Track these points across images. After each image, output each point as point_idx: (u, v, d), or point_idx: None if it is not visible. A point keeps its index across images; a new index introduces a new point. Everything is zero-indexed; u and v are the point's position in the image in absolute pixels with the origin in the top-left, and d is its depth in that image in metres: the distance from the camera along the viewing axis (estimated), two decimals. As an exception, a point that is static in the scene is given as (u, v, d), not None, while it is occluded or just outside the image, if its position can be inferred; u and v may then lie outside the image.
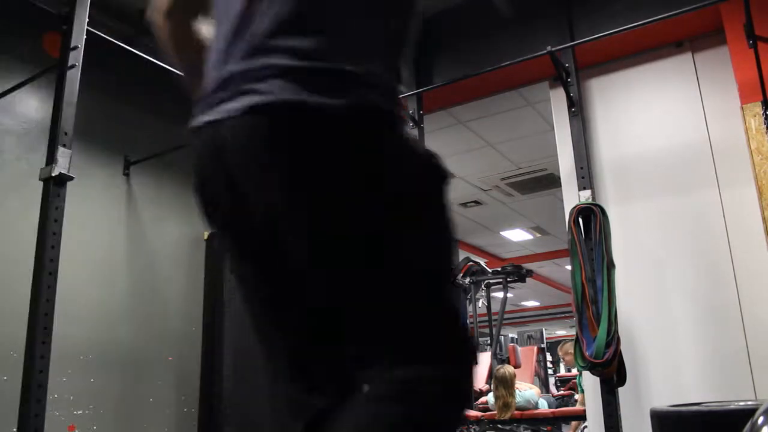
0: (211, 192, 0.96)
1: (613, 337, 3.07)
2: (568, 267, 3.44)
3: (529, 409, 4.94)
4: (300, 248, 0.90)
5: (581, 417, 4.54)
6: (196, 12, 1.13)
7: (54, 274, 2.54)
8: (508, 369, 4.97)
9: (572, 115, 3.79)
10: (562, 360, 7.41)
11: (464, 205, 8.29)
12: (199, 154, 0.96)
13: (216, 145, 0.91)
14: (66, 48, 2.82)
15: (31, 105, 3.87)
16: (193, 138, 0.97)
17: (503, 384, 4.81)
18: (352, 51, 0.90)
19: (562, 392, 5.26)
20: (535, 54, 3.65)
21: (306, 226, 0.88)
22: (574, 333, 3.21)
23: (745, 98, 3.29)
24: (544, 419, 4.92)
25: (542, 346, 12.47)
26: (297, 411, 0.97)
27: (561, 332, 18.78)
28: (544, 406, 5.03)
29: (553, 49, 3.58)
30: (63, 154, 2.65)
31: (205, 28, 1.13)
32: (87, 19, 2.92)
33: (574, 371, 5.35)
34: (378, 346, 0.88)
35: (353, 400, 0.88)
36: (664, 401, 2.89)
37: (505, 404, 4.75)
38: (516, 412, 4.80)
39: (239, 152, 0.88)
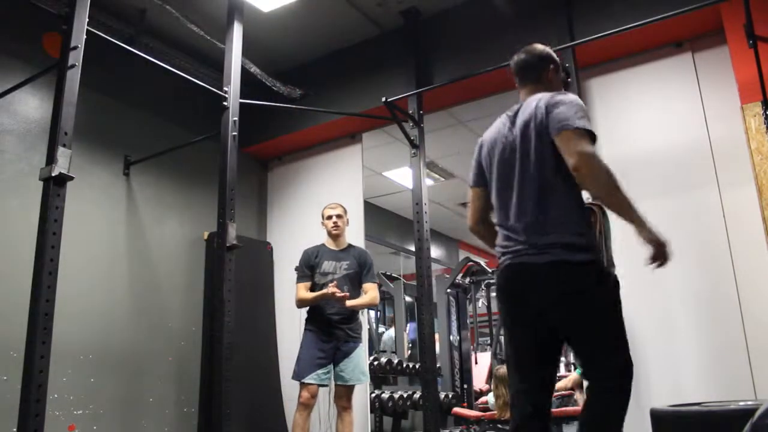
0: (515, 297, 2.05)
1: (613, 337, 3.07)
2: (568, 267, 3.43)
3: (529, 409, 4.94)
4: (574, 326, 2.00)
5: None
6: (487, 215, 2.26)
7: (54, 274, 2.53)
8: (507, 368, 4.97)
9: (572, 115, 3.78)
10: None
11: (464, 205, 8.29)
12: (507, 277, 2.06)
13: (524, 277, 2.01)
14: (66, 48, 2.82)
15: (31, 105, 3.87)
16: (504, 268, 2.07)
17: (504, 383, 4.81)
18: (584, 233, 2.00)
19: (562, 392, 5.25)
20: (535, 54, 3.64)
21: (577, 317, 1.97)
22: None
23: (745, 98, 3.29)
24: (544, 419, 4.92)
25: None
26: (523, 398, 2.01)
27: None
28: (544, 406, 5.03)
29: (553, 49, 3.57)
30: (63, 154, 2.65)
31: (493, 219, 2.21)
32: (87, 19, 2.92)
33: (575, 373, 5.34)
34: (604, 370, 2.00)
35: (591, 395, 2.01)
36: (664, 401, 2.89)
37: (506, 403, 4.75)
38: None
39: (543, 283, 1.97)
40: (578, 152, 1.89)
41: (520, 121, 2.12)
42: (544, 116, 2.01)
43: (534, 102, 2.10)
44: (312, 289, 3.83)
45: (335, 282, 3.76)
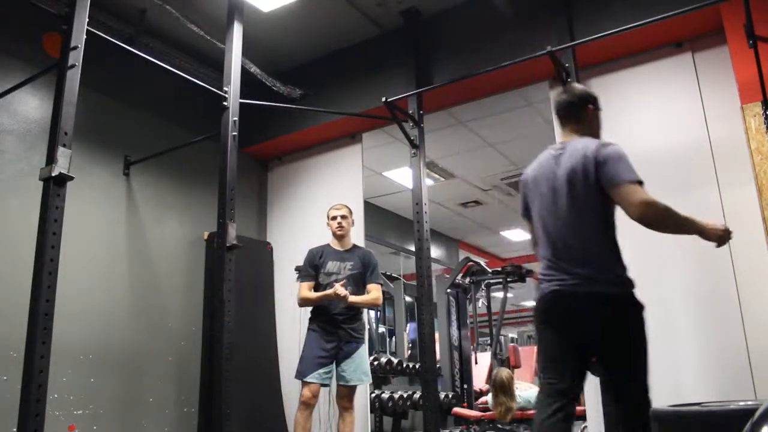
0: (559, 317, 2.28)
1: (613, 337, 3.07)
2: (568, 267, 3.43)
3: (529, 409, 4.94)
4: (608, 348, 2.24)
5: (582, 417, 4.54)
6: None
7: (54, 274, 2.53)
8: (504, 373, 4.89)
9: (572, 115, 3.78)
10: None
11: (464, 205, 8.29)
12: (551, 299, 2.28)
13: (567, 302, 2.24)
14: (66, 48, 2.81)
15: (31, 105, 3.87)
16: (547, 293, 2.29)
17: (503, 390, 4.76)
18: (621, 270, 2.26)
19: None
20: (535, 54, 3.65)
21: (612, 338, 2.22)
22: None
23: (745, 98, 3.29)
24: (544, 419, 4.91)
25: (542, 346, 12.43)
26: (554, 395, 2.23)
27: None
28: (544, 406, 5.02)
29: (553, 49, 3.58)
30: (63, 154, 2.65)
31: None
32: (87, 19, 2.92)
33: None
34: (629, 382, 2.22)
35: (620, 406, 2.23)
36: (664, 401, 2.88)
37: (507, 409, 4.72)
38: (517, 412, 4.79)
39: (584, 308, 2.22)
40: (638, 204, 2.13)
41: (566, 165, 2.32)
42: (593, 170, 2.23)
43: (581, 150, 2.30)
44: (315, 289, 3.84)
45: (343, 281, 3.77)
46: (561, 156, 2.36)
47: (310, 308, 3.92)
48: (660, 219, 2.17)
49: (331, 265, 3.86)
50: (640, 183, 2.17)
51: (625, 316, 2.21)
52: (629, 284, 2.24)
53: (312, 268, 3.88)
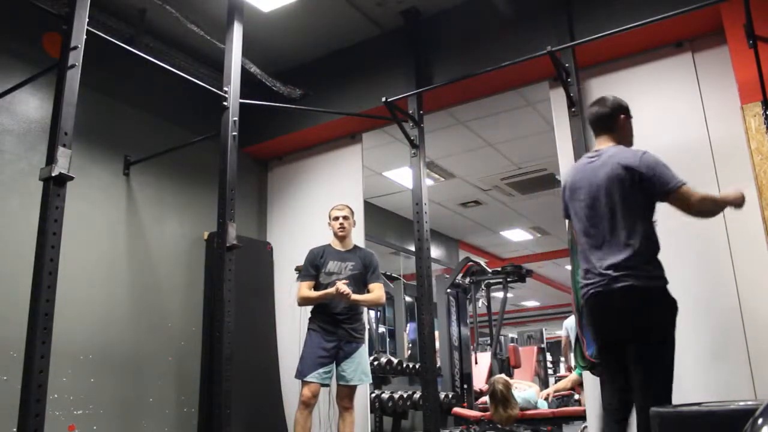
0: (601, 317, 2.51)
1: (613, 337, 3.07)
2: (568, 267, 3.44)
3: (529, 409, 4.93)
4: (638, 341, 2.40)
5: (582, 417, 4.53)
6: None
7: (54, 274, 2.53)
8: (500, 384, 4.81)
9: (572, 115, 3.79)
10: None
11: (464, 205, 8.29)
12: (595, 301, 2.49)
13: (608, 300, 2.44)
14: (66, 48, 2.81)
15: (31, 105, 3.87)
16: (591, 294, 2.50)
17: (503, 403, 4.70)
18: (659, 267, 2.47)
19: (562, 393, 5.25)
20: (535, 54, 3.65)
21: (641, 333, 2.40)
22: (564, 333, 3.21)
23: (745, 98, 3.28)
24: (544, 419, 4.91)
25: (542, 346, 12.47)
26: (610, 411, 2.55)
27: (561, 332, 18.75)
28: (544, 406, 5.02)
29: (553, 49, 3.57)
30: (63, 154, 2.65)
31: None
32: (87, 19, 2.91)
33: (574, 374, 5.34)
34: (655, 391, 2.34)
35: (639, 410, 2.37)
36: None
37: (508, 417, 4.69)
38: (518, 412, 4.78)
39: (622, 304, 2.41)
40: (696, 203, 2.46)
41: (603, 173, 2.53)
42: (637, 178, 2.46)
43: (617, 157, 2.53)
44: (316, 289, 3.84)
45: (346, 280, 3.76)
46: (596, 163, 2.58)
47: (310, 308, 3.92)
48: (711, 209, 2.52)
49: (332, 265, 3.86)
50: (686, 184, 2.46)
51: (649, 308, 2.41)
52: (658, 279, 2.44)
53: (313, 268, 3.88)
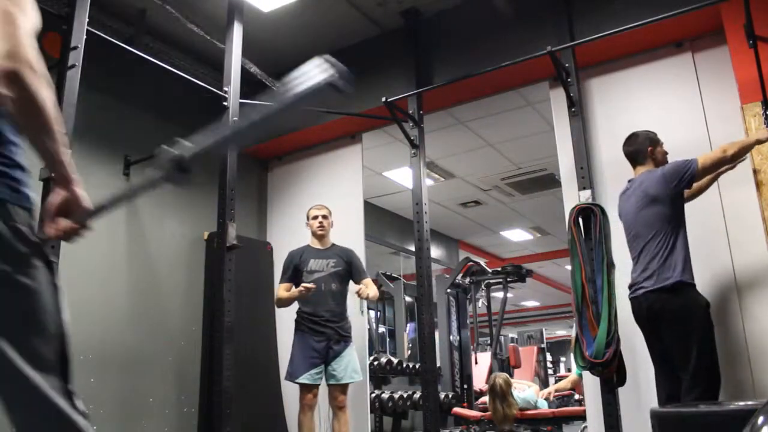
0: (645, 318, 2.96)
1: (613, 337, 3.07)
2: (568, 267, 3.44)
3: (529, 409, 4.94)
4: (679, 341, 2.85)
5: (582, 417, 4.54)
6: None
7: (54, 274, 2.53)
8: (500, 379, 4.83)
9: (572, 115, 3.79)
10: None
11: (464, 205, 8.29)
12: (639, 305, 2.98)
13: (648, 303, 2.93)
14: (66, 48, 2.82)
15: (31, 105, 3.86)
16: (636, 298, 2.99)
17: (501, 398, 4.71)
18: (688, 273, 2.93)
19: (562, 392, 5.25)
20: (535, 54, 3.65)
21: (679, 335, 2.86)
22: (573, 333, 3.21)
23: (745, 98, 3.28)
24: (544, 419, 4.92)
25: (542, 346, 12.47)
26: (663, 390, 2.93)
27: (561, 332, 18.78)
28: (544, 406, 5.03)
29: (553, 49, 3.58)
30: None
31: None
32: (87, 19, 2.92)
33: (574, 374, 5.34)
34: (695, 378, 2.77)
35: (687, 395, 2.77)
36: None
37: (505, 416, 4.69)
38: (516, 412, 4.78)
39: (659, 306, 2.89)
40: (719, 159, 2.94)
41: (639, 190, 3.05)
42: (662, 183, 2.95)
43: (647, 178, 3.04)
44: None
45: (313, 285, 3.78)
46: (634, 185, 3.09)
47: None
48: (736, 152, 2.91)
49: (314, 263, 3.90)
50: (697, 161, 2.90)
51: (674, 306, 2.83)
52: (684, 281, 2.85)
53: (290, 270, 3.92)
